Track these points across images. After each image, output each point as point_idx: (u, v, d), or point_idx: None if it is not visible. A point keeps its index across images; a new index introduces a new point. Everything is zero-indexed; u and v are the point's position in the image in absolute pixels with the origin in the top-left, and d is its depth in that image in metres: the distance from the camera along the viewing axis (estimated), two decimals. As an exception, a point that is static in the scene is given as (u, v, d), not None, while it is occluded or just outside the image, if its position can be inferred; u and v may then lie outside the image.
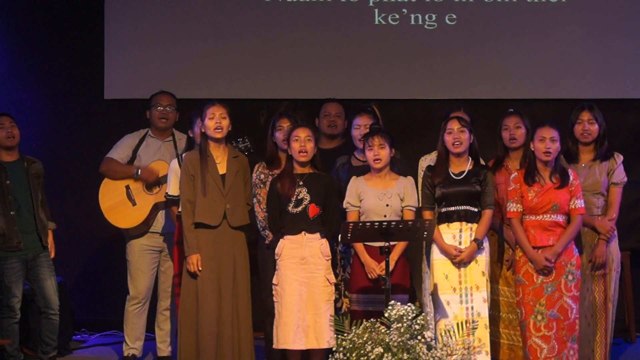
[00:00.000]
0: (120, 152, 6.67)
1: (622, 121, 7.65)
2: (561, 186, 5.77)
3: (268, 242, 6.08)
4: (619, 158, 6.13)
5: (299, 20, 7.81)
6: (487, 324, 5.76)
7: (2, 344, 6.34)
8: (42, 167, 6.53)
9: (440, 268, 5.82)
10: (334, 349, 5.27)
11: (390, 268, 5.56)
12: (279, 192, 5.88)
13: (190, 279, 5.88)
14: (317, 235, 5.86)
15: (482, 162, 6.04)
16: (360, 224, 5.59)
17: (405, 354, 5.06)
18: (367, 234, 5.58)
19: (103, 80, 7.84)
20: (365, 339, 5.15)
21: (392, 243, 5.57)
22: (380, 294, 5.54)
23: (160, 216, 6.62)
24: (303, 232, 5.84)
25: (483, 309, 5.76)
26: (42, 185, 6.50)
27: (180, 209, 6.04)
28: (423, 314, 5.21)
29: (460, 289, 5.78)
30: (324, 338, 5.74)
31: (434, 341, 5.23)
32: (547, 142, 5.76)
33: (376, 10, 7.79)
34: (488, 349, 5.73)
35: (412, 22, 7.77)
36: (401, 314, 5.15)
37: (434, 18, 7.76)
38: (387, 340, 5.11)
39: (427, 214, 5.87)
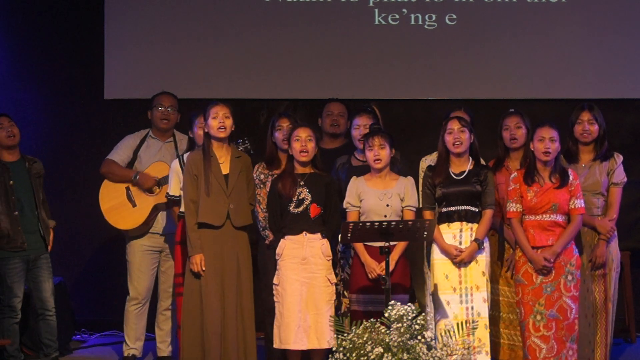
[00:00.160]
0: (120, 153, 6.67)
1: (622, 121, 7.64)
2: (561, 186, 5.77)
3: (268, 242, 6.07)
4: (619, 158, 6.13)
5: (299, 20, 7.80)
6: (487, 324, 5.76)
7: (2, 344, 6.33)
8: (42, 167, 6.53)
9: (440, 268, 5.82)
10: (334, 349, 5.27)
11: (391, 268, 5.56)
12: (280, 192, 5.88)
13: (194, 279, 5.87)
14: (318, 235, 5.86)
15: (483, 162, 6.04)
16: (361, 224, 5.59)
17: (405, 354, 5.06)
18: (367, 234, 5.58)
19: (103, 80, 7.83)
20: (365, 339, 5.15)
21: (392, 243, 5.58)
22: (380, 294, 5.53)
23: (161, 217, 6.62)
24: (304, 232, 5.84)
25: (483, 309, 5.76)
26: (42, 185, 6.51)
27: (181, 209, 6.04)
28: (423, 314, 5.22)
29: (460, 289, 5.78)
30: (325, 338, 5.74)
31: (434, 341, 5.23)
32: (547, 142, 5.76)
33: (376, 10, 7.79)
34: (488, 349, 5.73)
35: (412, 22, 7.77)
36: (401, 314, 5.15)
37: (434, 18, 7.76)
38: (387, 340, 5.11)
39: (428, 214, 5.87)
